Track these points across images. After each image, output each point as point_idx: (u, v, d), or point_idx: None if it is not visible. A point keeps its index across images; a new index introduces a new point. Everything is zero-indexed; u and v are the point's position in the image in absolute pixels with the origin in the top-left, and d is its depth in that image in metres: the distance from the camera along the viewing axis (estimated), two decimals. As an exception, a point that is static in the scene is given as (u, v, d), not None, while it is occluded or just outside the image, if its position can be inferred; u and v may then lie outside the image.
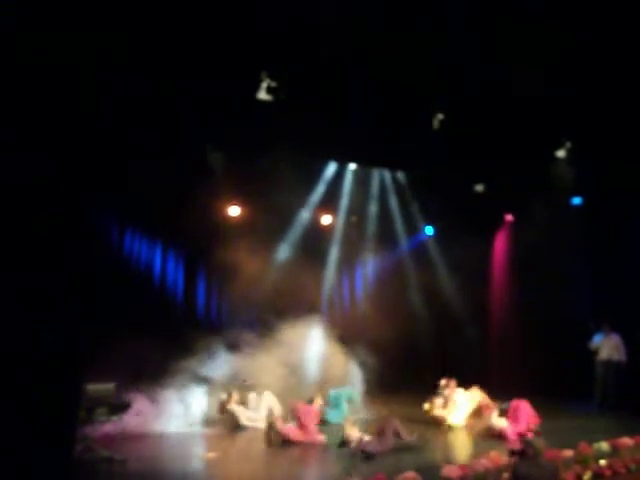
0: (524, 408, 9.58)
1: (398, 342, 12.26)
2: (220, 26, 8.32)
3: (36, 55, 6.61)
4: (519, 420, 9.41)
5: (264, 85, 9.93)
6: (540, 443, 6.14)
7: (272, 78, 9.88)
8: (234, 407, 10.15)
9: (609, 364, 12.19)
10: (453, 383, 10.73)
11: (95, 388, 8.39)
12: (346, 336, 12.12)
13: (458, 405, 10.37)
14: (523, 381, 12.94)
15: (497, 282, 15.58)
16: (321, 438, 9.17)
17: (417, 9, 8.18)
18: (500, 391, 10.56)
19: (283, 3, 8.07)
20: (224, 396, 10.29)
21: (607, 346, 12.26)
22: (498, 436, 9.18)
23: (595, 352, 12.44)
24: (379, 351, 11.87)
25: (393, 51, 9.12)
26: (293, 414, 9.47)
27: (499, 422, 9.43)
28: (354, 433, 8.71)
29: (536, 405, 9.76)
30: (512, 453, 6.36)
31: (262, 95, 10.06)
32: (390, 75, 9.74)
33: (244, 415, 10.14)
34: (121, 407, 8.64)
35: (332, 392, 10.81)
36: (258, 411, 10.21)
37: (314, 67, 9.35)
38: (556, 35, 8.33)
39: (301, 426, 9.23)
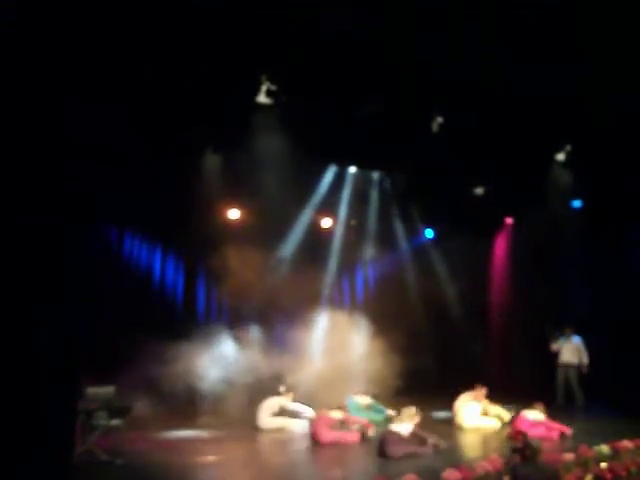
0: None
1: (398, 345, 12.21)
2: (220, 28, 8.33)
3: (32, 55, 6.61)
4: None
5: (264, 88, 9.94)
6: (538, 444, 6.13)
7: (272, 81, 9.89)
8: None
9: (570, 367, 12.58)
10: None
11: (94, 391, 8.37)
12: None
13: (467, 407, 10.36)
14: (523, 384, 12.97)
15: (497, 285, 15.56)
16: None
17: (415, 12, 8.18)
18: (500, 395, 10.55)
19: (283, 6, 8.08)
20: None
21: (568, 350, 12.67)
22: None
23: (556, 355, 12.82)
24: (379, 354, 11.85)
25: (392, 54, 9.13)
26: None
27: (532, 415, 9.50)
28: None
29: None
30: (514, 451, 6.35)
31: (262, 98, 10.08)
32: (389, 78, 9.74)
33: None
34: (121, 411, 8.61)
35: (349, 400, 10.76)
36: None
37: (314, 70, 9.35)
38: (556, 36, 8.32)
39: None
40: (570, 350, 12.68)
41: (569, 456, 7.73)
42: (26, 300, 6.50)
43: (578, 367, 12.59)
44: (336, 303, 14.47)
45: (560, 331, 12.84)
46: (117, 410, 8.53)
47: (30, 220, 6.60)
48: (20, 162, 6.59)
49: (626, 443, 8.30)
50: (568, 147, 12.04)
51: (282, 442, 9.53)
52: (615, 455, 8.02)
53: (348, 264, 14.76)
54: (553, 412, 10.11)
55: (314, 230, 13.98)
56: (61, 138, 7.00)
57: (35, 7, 6.46)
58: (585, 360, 12.55)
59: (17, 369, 6.33)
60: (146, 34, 7.99)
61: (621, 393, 11.45)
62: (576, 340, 12.69)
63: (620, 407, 11.03)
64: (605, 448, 8.08)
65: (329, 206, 13.86)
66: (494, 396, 10.49)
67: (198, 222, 11.92)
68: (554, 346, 12.86)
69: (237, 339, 11.67)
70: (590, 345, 12.64)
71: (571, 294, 13.49)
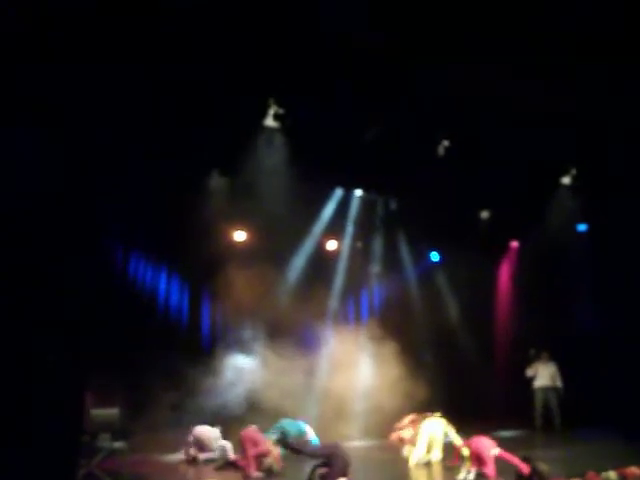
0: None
1: (401, 369, 12.12)
2: (229, 52, 8.42)
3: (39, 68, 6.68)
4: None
5: (271, 112, 10.03)
6: (546, 468, 6.08)
7: (279, 105, 9.98)
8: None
9: (548, 390, 13.06)
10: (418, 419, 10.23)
11: (98, 413, 8.35)
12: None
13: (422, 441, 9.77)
14: (530, 409, 12.91)
15: (502, 308, 15.50)
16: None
17: (419, 37, 8.26)
18: (505, 420, 10.43)
19: (290, 31, 8.18)
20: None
21: (545, 374, 13.16)
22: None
23: (531, 379, 13.23)
24: (382, 379, 11.77)
25: (399, 79, 9.21)
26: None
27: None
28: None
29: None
30: (520, 478, 6.28)
31: (269, 121, 10.17)
32: (396, 102, 9.82)
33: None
34: (124, 433, 8.56)
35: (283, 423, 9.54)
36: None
37: (320, 94, 9.43)
38: (563, 57, 8.38)
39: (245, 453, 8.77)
40: (547, 374, 13.11)
41: (577, 482, 7.65)
42: (31, 322, 6.51)
43: (555, 390, 12.99)
44: (340, 325, 14.40)
45: (537, 355, 13.25)
46: (120, 432, 8.48)
47: (34, 239, 6.63)
48: (28, 179, 6.63)
49: (634, 469, 8.16)
50: (573, 171, 12.07)
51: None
52: (623, 481, 7.94)
53: (353, 286, 14.71)
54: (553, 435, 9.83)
55: (320, 252, 13.95)
56: (68, 156, 7.05)
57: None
58: (559, 384, 12.98)
59: (22, 390, 6.32)
60: (156, 58, 8.09)
61: (628, 415, 11.36)
62: (552, 365, 13.13)
63: (627, 430, 10.92)
64: (613, 474, 7.97)
65: (335, 229, 13.86)
66: (498, 422, 10.31)
67: (204, 243, 11.91)
68: (529, 371, 13.29)
69: (241, 361, 11.61)
70: (594, 367, 12.64)
71: (575, 318, 13.46)
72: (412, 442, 9.85)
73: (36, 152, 6.69)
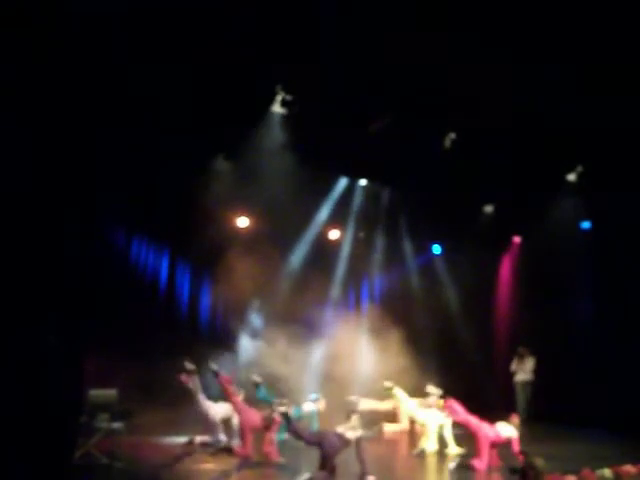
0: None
1: (401, 358, 12.16)
2: (237, 39, 8.38)
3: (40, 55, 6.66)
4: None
5: (279, 98, 10.00)
6: (542, 464, 6.07)
7: (287, 91, 9.95)
8: None
9: (528, 385, 13.60)
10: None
11: (97, 394, 8.37)
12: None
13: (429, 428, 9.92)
14: (528, 404, 12.94)
15: (503, 303, 15.52)
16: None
17: (431, 32, 8.22)
18: (501, 413, 10.44)
19: (299, 20, 8.14)
20: None
21: (525, 369, 13.73)
22: None
23: (513, 374, 13.83)
24: (382, 366, 11.80)
25: (408, 71, 9.17)
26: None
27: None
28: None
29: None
30: (513, 472, 6.26)
31: (276, 108, 10.14)
32: (404, 94, 9.78)
33: None
34: (123, 414, 8.59)
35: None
36: None
37: (329, 82, 9.40)
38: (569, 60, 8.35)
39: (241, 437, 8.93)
40: (527, 369, 13.65)
41: (571, 479, 7.67)
42: (32, 303, 6.51)
43: (530, 384, 13.48)
44: (341, 313, 14.42)
45: (522, 351, 13.66)
46: (119, 413, 8.51)
47: (36, 223, 6.62)
48: (29, 166, 6.62)
49: (629, 468, 8.21)
50: (580, 168, 12.03)
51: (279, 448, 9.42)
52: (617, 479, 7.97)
53: (355, 275, 14.73)
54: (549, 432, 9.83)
55: (322, 241, 13.96)
56: (71, 140, 7.03)
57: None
58: (531, 378, 13.60)
59: (22, 371, 6.33)
60: (165, 46, 8.06)
61: (624, 414, 11.39)
62: (531, 360, 13.62)
63: (623, 429, 10.96)
64: (608, 472, 8.02)
65: (338, 218, 13.85)
66: (494, 414, 10.32)
67: (207, 229, 11.90)
68: (513, 366, 13.79)
69: (242, 345, 11.65)
70: (591, 365, 12.74)
71: (575, 316, 13.47)
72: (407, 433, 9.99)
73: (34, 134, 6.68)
